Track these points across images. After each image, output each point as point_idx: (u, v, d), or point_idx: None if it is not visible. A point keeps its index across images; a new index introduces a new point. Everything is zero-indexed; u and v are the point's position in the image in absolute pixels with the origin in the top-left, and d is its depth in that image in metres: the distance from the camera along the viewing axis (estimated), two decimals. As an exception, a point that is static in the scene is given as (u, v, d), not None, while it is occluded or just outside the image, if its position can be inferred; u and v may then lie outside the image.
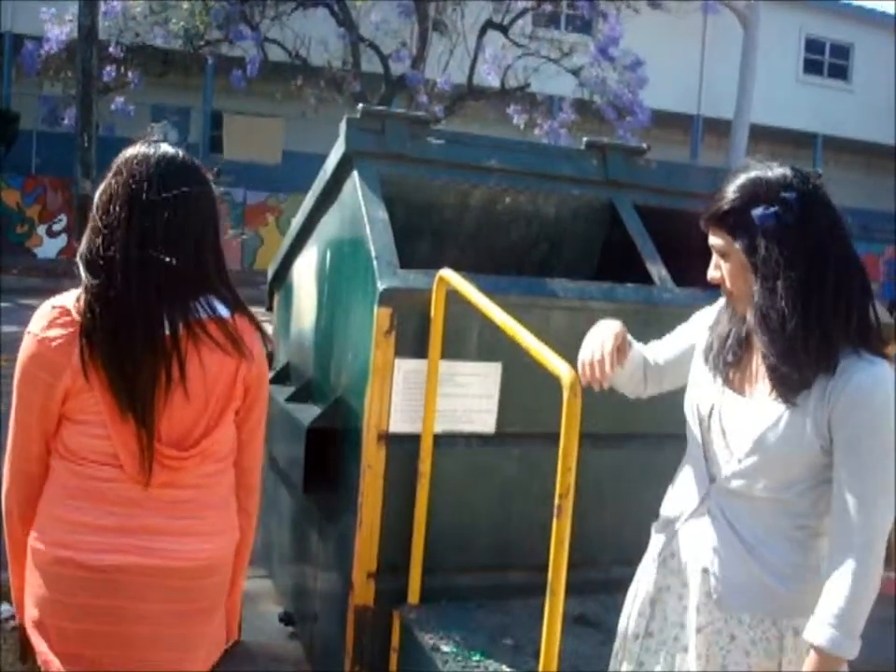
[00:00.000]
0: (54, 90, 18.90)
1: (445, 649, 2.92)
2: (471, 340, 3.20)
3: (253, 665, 3.94)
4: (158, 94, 20.36)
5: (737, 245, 1.93)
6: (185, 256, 2.02)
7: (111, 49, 17.34)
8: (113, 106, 17.74)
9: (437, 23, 18.81)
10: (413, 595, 3.17)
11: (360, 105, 3.66)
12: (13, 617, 3.87)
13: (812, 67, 27.08)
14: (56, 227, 19.08)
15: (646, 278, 3.45)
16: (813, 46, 26.99)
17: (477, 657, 2.88)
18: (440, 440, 3.16)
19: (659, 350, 2.34)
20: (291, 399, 3.85)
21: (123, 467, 1.99)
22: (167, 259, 1.97)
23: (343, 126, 3.55)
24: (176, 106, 22.05)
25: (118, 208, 2.00)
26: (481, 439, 3.28)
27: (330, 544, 3.58)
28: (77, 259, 2.02)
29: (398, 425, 3.15)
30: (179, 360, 1.99)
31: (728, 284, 2.00)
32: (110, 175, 2.08)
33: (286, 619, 4.16)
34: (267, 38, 18.30)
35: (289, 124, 20.97)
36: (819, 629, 1.87)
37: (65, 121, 17.77)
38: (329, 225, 3.83)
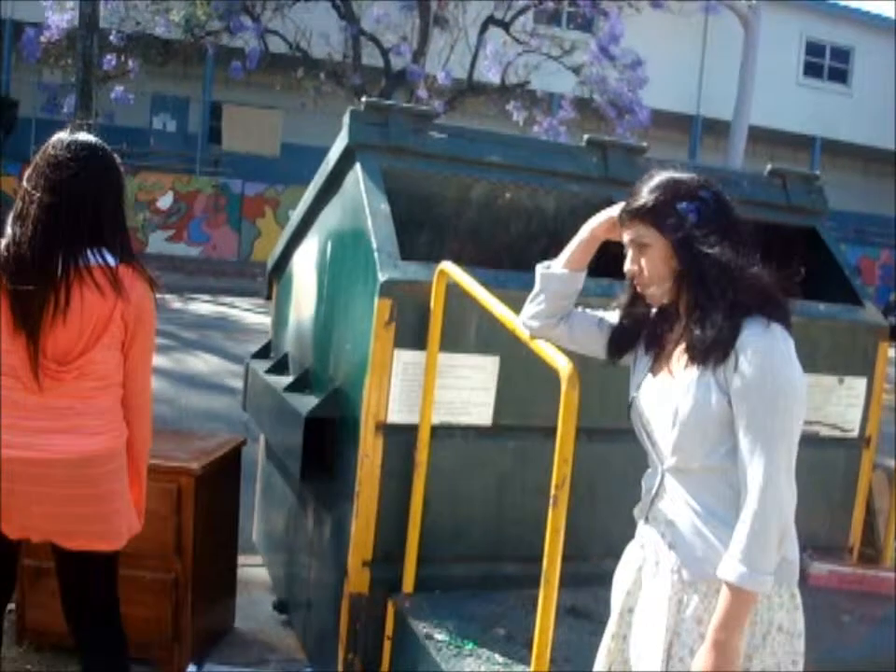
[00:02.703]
0: (54, 77, 18.90)
1: (439, 637, 2.96)
2: (470, 332, 3.23)
3: (247, 652, 3.97)
4: (157, 83, 20.38)
5: (664, 235, 2.13)
6: (84, 216, 2.58)
7: (112, 38, 17.34)
8: (113, 95, 17.75)
9: (438, 18, 18.83)
10: (408, 584, 3.20)
11: (364, 98, 3.69)
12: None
13: (812, 70, 27.13)
14: (53, 214, 19.07)
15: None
16: (813, 49, 27.04)
17: (470, 646, 2.92)
18: (437, 431, 3.19)
19: (591, 313, 2.48)
20: (290, 388, 3.87)
21: (19, 377, 2.55)
22: (67, 217, 2.56)
23: (346, 118, 3.58)
24: (176, 96, 22.08)
25: (35, 177, 2.62)
26: (477, 431, 3.32)
27: (326, 532, 3.61)
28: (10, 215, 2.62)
29: (395, 415, 3.18)
30: (65, 294, 2.53)
31: (648, 274, 2.17)
32: (38, 153, 2.69)
33: (279, 607, 4.19)
34: (268, 29, 18.31)
35: (288, 116, 20.98)
36: (728, 566, 1.98)
37: (65, 109, 17.71)
38: (331, 216, 3.85)
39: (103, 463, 2.64)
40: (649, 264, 2.16)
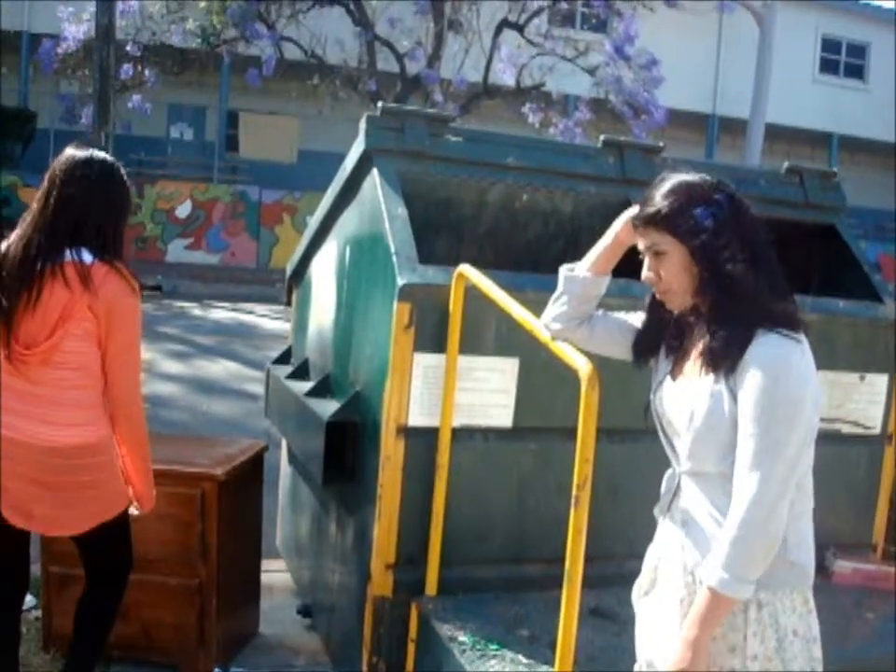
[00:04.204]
0: (71, 88, 19.06)
1: (462, 639, 2.96)
2: (489, 335, 3.24)
3: (271, 656, 3.99)
4: (174, 93, 20.48)
5: (681, 242, 2.10)
6: (66, 219, 2.87)
7: (128, 48, 17.48)
8: (130, 104, 17.90)
9: (452, 22, 18.85)
10: (431, 587, 3.21)
11: (380, 104, 3.70)
12: (35, 607, 3.94)
13: (828, 67, 27.01)
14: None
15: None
16: (829, 45, 26.92)
17: (494, 647, 2.92)
18: (457, 433, 3.20)
19: (613, 315, 2.48)
20: (311, 393, 3.89)
21: (2, 359, 2.85)
22: (52, 221, 2.87)
23: (362, 124, 3.59)
24: (193, 105, 22.19)
25: (42, 185, 2.94)
26: (498, 433, 3.32)
27: (349, 536, 3.62)
28: None
29: (416, 418, 3.19)
30: (38, 288, 2.82)
31: (667, 281, 2.15)
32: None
33: (304, 611, 4.20)
34: (283, 37, 18.38)
35: (305, 123, 21.05)
36: (710, 569, 1.99)
37: (83, 120, 17.89)
38: (349, 221, 3.87)
39: (70, 455, 2.85)
40: (667, 272, 2.14)
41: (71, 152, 2.98)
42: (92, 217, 2.90)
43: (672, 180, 2.16)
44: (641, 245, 2.20)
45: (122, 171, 3.03)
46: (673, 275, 2.14)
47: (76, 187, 2.90)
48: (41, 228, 2.89)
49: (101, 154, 3.02)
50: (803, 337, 2.06)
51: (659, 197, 2.14)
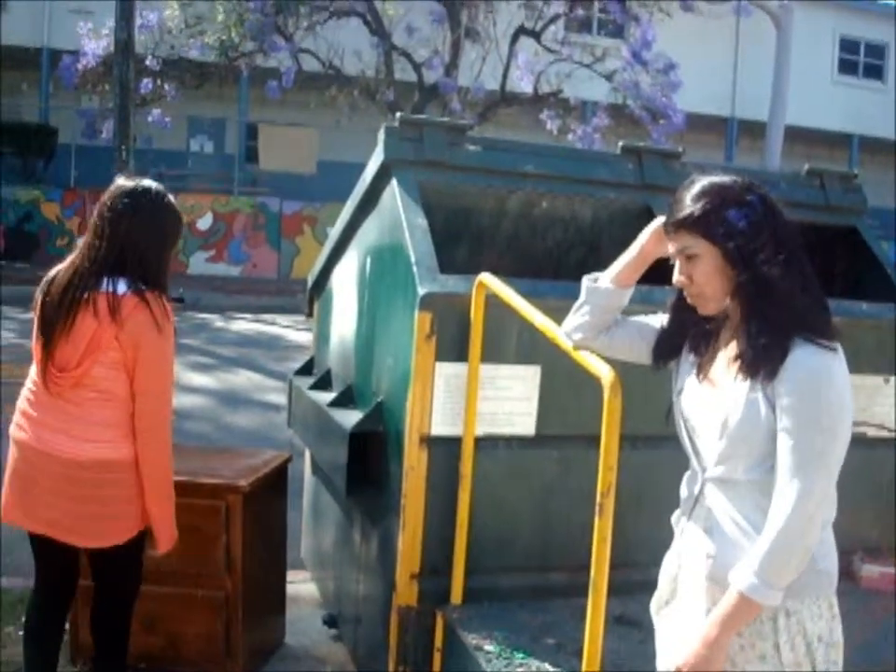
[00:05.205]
0: (92, 103, 19.20)
1: (488, 648, 2.96)
2: (511, 343, 3.24)
3: (298, 667, 4.00)
4: (194, 106, 20.59)
5: (715, 245, 2.07)
6: (109, 250, 2.98)
7: (147, 62, 17.60)
8: (150, 118, 18.00)
9: (469, 31, 18.88)
10: (456, 596, 3.21)
11: (399, 114, 3.71)
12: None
13: (847, 67, 26.88)
14: (95, 239, 19.25)
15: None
16: (847, 46, 26.80)
17: (520, 656, 2.92)
18: (480, 442, 3.20)
19: (631, 320, 2.46)
20: (333, 403, 3.90)
21: (38, 378, 3.03)
22: (95, 252, 2.99)
23: (381, 134, 3.60)
24: (212, 118, 22.28)
25: (93, 215, 3.08)
26: (521, 441, 3.32)
27: (373, 546, 3.63)
28: None
29: (439, 427, 3.20)
30: (73, 316, 2.95)
31: (699, 285, 2.12)
32: None
33: (329, 621, 4.21)
34: (301, 49, 18.46)
35: (324, 134, 21.10)
36: (742, 573, 1.98)
37: (103, 134, 18.00)
38: (369, 232, 3.88)
39: (89, 468, 2.95)
40: (699, 276, 2.11)
41: (119, 183, 3.09)
42: (136, 247, 3.00)
43: (702, 182, 2.13)
44: (672, 249, 2.17)
45: (170, 200, 3.13)
46: (706, 279, 2.10)
47: (120, 217, 3.00)
48: (87, 256, 3.01)
49: (147, 184, 3.10)
50: (838, 346, 2.03)
51: (690, 199, 2.11)
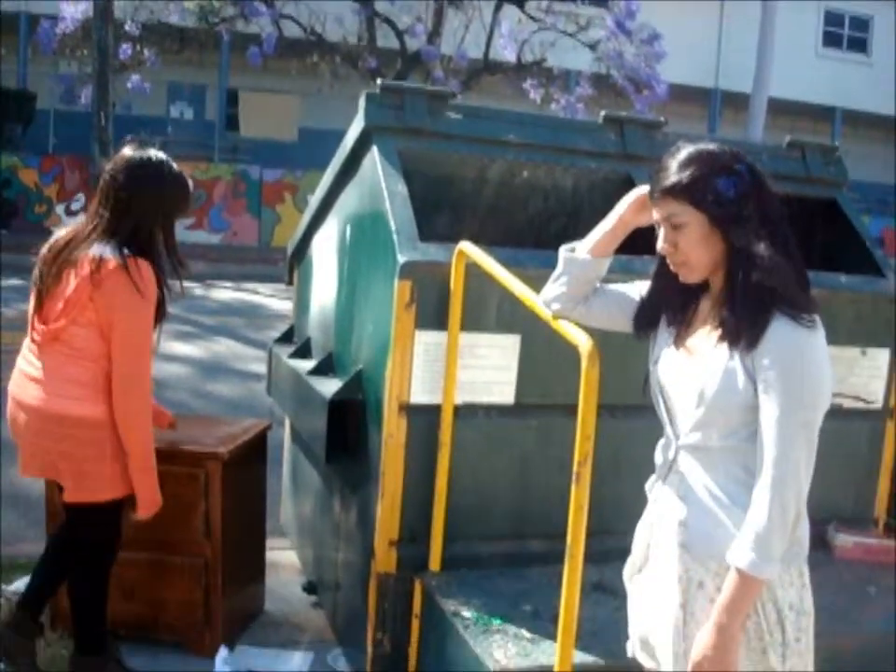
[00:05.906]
0: (70, 68, 18.95)
1: (466, 614, 2.98)
2: (490, 312, 3.24)
3: (277, 634, 4.01)
4: (174, 72, 20.38)
5: (702, 213, 2.05)
6: (108, 216, 3.11)
7: (127, 27, 17.39)
8: (129, 84, 17.79)
9: (452, -2, 18.74)
10: (435, 563, 3.23)
11: (379, 81, 3.69)
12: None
13: (831, 40, 26.83)
14: (74, 206, 19.03)
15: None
16: (832, 19, 26.73)
17: (497, 622, 2.94)
18: (459, 410, 3.21)
19: (610, 288, 2.45)
20: (313, 372, 3.90)
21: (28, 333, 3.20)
22: (93, 216, 3.15)
23: (361, 101, 3.58)
24: (192, 84, 22.08)
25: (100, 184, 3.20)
26: (500, 410, 3.33)
27: (352, 514, 3.64)
28: None
29: (418, 396, 3.20)
30: (60, 274, 3.10)
31: (684, 253, 2.11)
32: None
33: (309, 588, 4.23)
34: (282, 14, 18.28)
35: (305, 101, 20.96)
36: (739, 552, 1.99)
37: (82, 100, 17.83)
38: (349, 200, 3.87)
39: (62, 423, 3.07)
40: (685, 244, 2.09)
41: (124, 152, 3.19)
42: (131, 216, 3.12)
43: (689, 149, 2.10)
44: (657, 217, 2.15)
45: (174, 172, 3.21)
46: (691, 248, 2.09)
47: (119, 187, 3.12)
48: (89, 222, 3.16)
49: (150, 155, 3.19)
50: (817, 319, 2.04)
51: (677, 166, 2.08)
